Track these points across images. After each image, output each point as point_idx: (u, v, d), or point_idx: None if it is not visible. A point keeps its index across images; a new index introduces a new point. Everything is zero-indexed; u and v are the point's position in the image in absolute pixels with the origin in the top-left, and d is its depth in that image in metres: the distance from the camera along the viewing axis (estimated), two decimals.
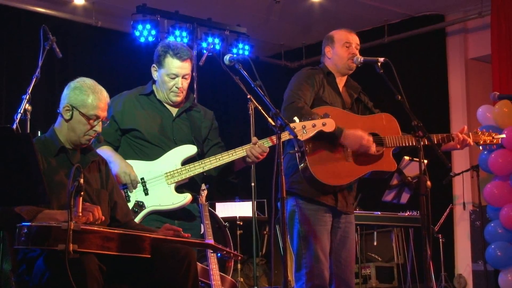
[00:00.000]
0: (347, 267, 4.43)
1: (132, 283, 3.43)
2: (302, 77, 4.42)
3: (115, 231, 3.19)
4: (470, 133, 4.52)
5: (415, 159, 5.75)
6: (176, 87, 4.11)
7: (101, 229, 3.16)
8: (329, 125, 4.04)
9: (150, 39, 7.94)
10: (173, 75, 4.09)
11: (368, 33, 9.50)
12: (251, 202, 4.81)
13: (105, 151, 4.02)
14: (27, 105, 4.33)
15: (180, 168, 4.03)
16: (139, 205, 4.00)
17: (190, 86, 4.24)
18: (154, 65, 4.17)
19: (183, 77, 4.11)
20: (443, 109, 9.10)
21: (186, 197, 4.03)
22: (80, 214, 3.08)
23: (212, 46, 8.35)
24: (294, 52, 10.52)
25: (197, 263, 3.61)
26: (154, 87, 4.23)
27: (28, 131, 4.32)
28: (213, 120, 4.32)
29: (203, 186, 4.36)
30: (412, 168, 6.02)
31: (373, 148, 4.25)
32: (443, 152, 4.36)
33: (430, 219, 3.90)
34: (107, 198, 3.66)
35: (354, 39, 4.49)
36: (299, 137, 3.95)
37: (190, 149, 4.11)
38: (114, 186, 3.76)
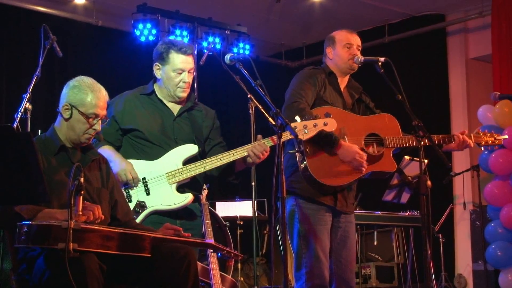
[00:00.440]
0: (348, 267, 4.43)
1: (132, 282, 3.43)
2: (304, 77, 4.42)
3: (115, 230, 3.20)
4: (472, 134, 4.52)
5: (415, 158, 5.75)
6: (183, 82, 4.11)
7: (101, 228, 3.16)
8: (331, 125, 4.03)
9: (151, 38, 7.94)
10: (180, 70, 4.09)
11: (369, 33, 9.49)
12: (251, 202, 4.79)
13: (106, 151, 4.02)
14: (28, 104, 4.34)
15: (181, 168, 4.03)
16: (141, 205, 3.99)
17: (191, 85, 4.24)
18: (156, 63, 4.16)
19: (188, 71, 4.12)
20: (443, 109, 9.10)
21: (188, 197, 4.03)
22: (80, 213, 3.08)
23: (212, 46, 8.35)
24: (294, 51, 10.52)
25: (198, 262, 3.61)
26: (155, 86, 4.23)
27: (29, 130, 4.32)
28: (215, 120, 4.32)
29: (204, 186, 4.36)
30: (412, 168, 6.02)
31: (365, 166, 4.24)
32: (443, 152, 4.37)
33: (430, 218, 3.90)
34: (108, 197, 3.66)
35: (355, 40, 4.49)
36: (300, 137, 3.95)
37: (191, 149, 4.10)
38: (115, 184, 3.76)
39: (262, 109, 3.90)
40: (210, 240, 4.28)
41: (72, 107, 3.55)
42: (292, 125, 3.86)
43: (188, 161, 4.07)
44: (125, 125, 4.14)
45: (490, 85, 8.47)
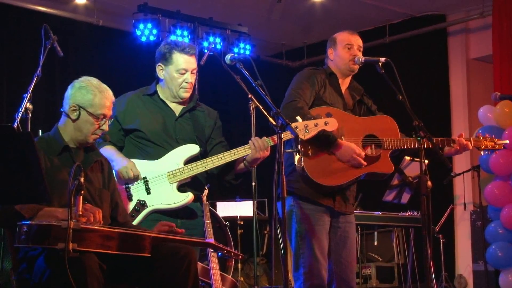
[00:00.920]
0: (348, 267, 4.43)
1: (132, 282, 3.44)
2: (303, 77, 4.43)
3: (115, 230, 3.20)
4: (471, 138, 4.51)
5: (416, 159, 5.76)
6: (186, 82, 4.12)
7: (101, 228, 3.17)
8: (332, 124, 4.04)
9: (151, 38, 7.95)
10: (183, 70, 4.10)
11: (370, 33, 9.49)
12: (251, 202, 4.79)
13: (108, 150, 4.03)
14: (28, 104, 4.34)
15: (182, 168, 4.03)
16: (141, 204, 4.00)
17: (193, 85, 4.24)
18: (159, 64, 4.17)
19: (191, 72, 4.13)
20: (444, 109, 9.10)
21: (188, 196, 4.03)
22: (81, 213, 3.09)
23: (213, 46, 8.35)
24: (295, 51, 10.52)
25: (198, 262, 3.61)
26: (158, 87, 4.23)
27: (29, 130, 4.32)
28: (217, 119, 4.32)
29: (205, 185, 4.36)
30: (413, 168, 6.03)
31: (364, 163, 4.24)
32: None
33: (430, 219, 3.90)
34: (109, 198, 3.67)
35: (356, 41, 4.49)
36: (301, 137, 3.96)
37: (192, 149, 4.11)
38: (115, 187, 3.78)
39: (262, 109, 3.90)
40: (211, 239, 4.29)
41: (80, 108, 3.55)
42: (293, 124, 3.86)
43: (189, 161, 4.07)
44: (127, 125, 4.15)
45: (490, 85, 8.47)
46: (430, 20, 9.21)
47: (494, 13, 8.38)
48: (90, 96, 3.56)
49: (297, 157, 4.22)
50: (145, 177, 4.03)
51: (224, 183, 4.24)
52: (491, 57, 8.48)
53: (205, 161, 4.04)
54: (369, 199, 7.23)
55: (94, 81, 3.62)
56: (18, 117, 4.29)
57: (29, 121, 4.43)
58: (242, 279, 7.32)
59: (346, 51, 4.45)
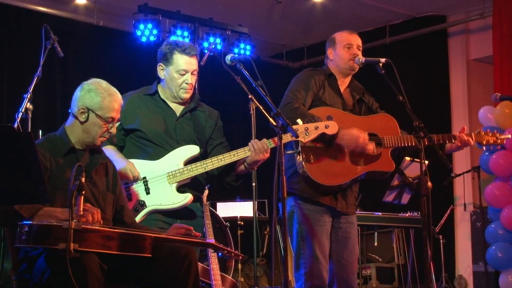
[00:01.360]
0: (349, 268, 4.43)
1: (133, 282, 3.44)
2: (301, 78, 4.43)
3: (116, 230, 3.20)
4: (473, 134, 4.51)
5: (416, 159, 5.75)
6: (186, 83, 4.12)
7: (102, 228, 3.17)
8: (332, 128, 4.04)
9: (152, 38, 7.95)
10: (183, 71, 4.10)
11: (370, 34, 9.49)
12: (252, 202, 4.80)
13: (108, 150, 4.02)
14: (29, 104, 4.34)
15: (182, 168, 4.03)
16: (140, 204, 4.00)
17: (194, 86, 4.24)
18: (160, 64, 4.17)
19: (192, 73, 4.12)
20: (444, 110, 9.09)
21: (187, 197, 4.03)
22: (81, 213, 3.09)
23: (213, 46, 8.35)
24: (295, 52, 10.52)
25: (198, 262, 3.61)
26: (159, 87, 4.23)
27: (29, 130, 4.32)
28: (218, 120, 4.32)
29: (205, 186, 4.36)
30: (413, 169, 6.01)
31: (371, 147, 4.24)
32: (444, 155, 4.36)
33: (430, 220, 3.90)
34: (112, 201, 3.66)
35: (356, 40, 4.49)
36: (301, 139, 3.96)
37: (193, 150, 4.10)
38: (121, 190, 3.78)
39: (263, 110, 3.90)
40: (211, 240, 4.29)
41: (89, 110, 3.55)
42: (294, 127, 3.86)
43: (189, 162, 4.07)
44: (127, 125, 4.15)
45: (491, 86, 8.46)
46: (430, 20, 9.21)
47: (494, 14, 8.38)
48: (99, 99, 3.55)
49: (298, 158, 4.22)
50: (144, 177, 4.03)
51: (225, 185, 4.24)
52: (491, 58, 8.47)
53: (205, 162, 4.03)
54: (369, 199, 7.22)
55: (103, 83, 3.62)
56: (18, 117, 4.29)
57: (29, 121, 4.44)
58: (242, 279, 7.32)
59: (346, 50, 4.46)
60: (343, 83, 4.54)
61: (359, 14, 9.05)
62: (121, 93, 4.24)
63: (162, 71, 4.17)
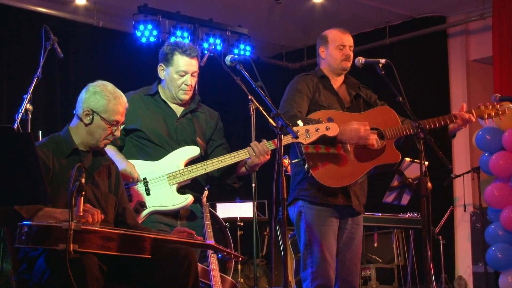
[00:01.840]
0: (352, 269, 4.44)
1: (132, 283, 3.43)
2: (294, 86, 4.46)
3: (116, 231, 3.20)
4: (473, 110, 4.47)
5: (416, 160, 5.75)
6: (185, 85, 4.12)
7: (102, 229, 3.17)
8: (333, 129, 4.03)
9: (152, 39, 7.95)
10: (183, 72, 4.10)
11: (370, 34, 9.51)
12: (251, 203, 4.80)
13: (108, 150, 4.01)
14: (28, 104, 4.34)
15: (183, 169, 4.03)
16: (141, 205, 4.00)
17: (194, 88, 4.24)
18: (161, 64, 4.17)
19: (192, 74, 4.12)
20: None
21: (188, 198, 4.02)
22: (81, 214, 3.09)
23: (213, 47, 8.35)
24: (295, 53, 10.52)
25: (198, 263, 3.61)
26: (159, 87, 4.23)
27: (29, 130, 4.32)
28: (218, 121, 4.32)
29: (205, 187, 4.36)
30: (413, 170, 6.02)
31: (373, 136, 4.24)
32: (448, 138, 4.43)
33: (430, 220, 3.90)
34: (114, 203, 3.66)
35: (348, 41, 4.50)
36: (302, 141, 3.96)
37: (193, 151, 4.10)
38: (124, 192, 3.78)
39: (262, 111, 3.90)
40: (211, 241, 4.28)
41: (94, 112, 3.55)
42: (294, 128, 3.86)
43: (189, 163, 4.06)
44: (128, 125, 4.14)
45: (490, 87, 8.46)
46: (430, 21, 9.21)
47: (494, 15, 8.38)
48: (104, 101, 3.55)
49: (305, 166, 4.24)
50: (145, 178, 4.03)
51: (225, 186, 4.24)
52: (491, 59, 8.47)
53: (205, 163, 4.03)
54: (369, 200, 7.21)
55: (109, 86, 3.61)
56: (18, 118, 4.29)
57: (29, 122, 4.43)
58: (242, 280, 7.32)
59: (338, 51, 4.48)
60: (337, 82, 4.54)
61: (359, 14, 9.05)
62: None
63: (162, 72, 4.17)
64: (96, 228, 3.14)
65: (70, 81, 8.48)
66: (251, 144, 3.98)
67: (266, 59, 10.37)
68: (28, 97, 4.34)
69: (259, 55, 9.79)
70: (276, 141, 3.91)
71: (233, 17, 8.92)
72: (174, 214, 4.07)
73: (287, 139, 3.93)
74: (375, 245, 7.72)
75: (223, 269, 6.54)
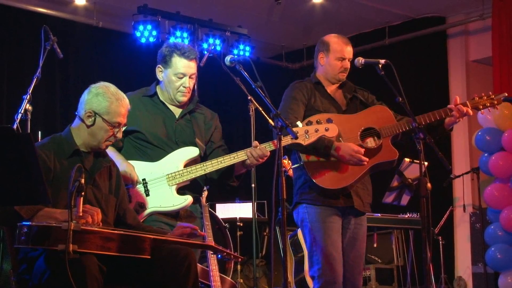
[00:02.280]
0: (355, 269, 4.45)
1: (132, 283, 3.43)
2: (289, 93, 4.50)
3: (115, 231, 3.20)
4: (468, 102, 4.50)
5: (415, 161, 5.75)
6: (183, 87, 4.11)
7: (102, 229, 3.16)
8: (332, 131, 4.03)
9: (151, 39, 7.95)
10: (181, 74, 4.09)
11: (369, 35, 9.50)
12: (251, 203, 4.80)
13: (108, 151, 4.01)
14: (28, 105, 4.34)
15: (182, 170, 4.02)
16: (140, 206, 3.99)
17: (192, 89, 4.24)
18: (159, 65, 4.16)
19: (190, 76, 4.12)
20: None
21: (187, 199, 4.02)
22: (81, 214, 3.09)
23: (213, 47, 8.35)
24: (295, 53, 10.52)
25: (197, 264, 3.61)
26: (158, 88, 4.23)
27: (29, 131, 4.32)
28: (217, 122, 4.32)
29: (204, 187, 4.35)
30: (412, 170, 6.03)
31: (365, 159, 4.25)
32: (446, 132, 4.44)
33: (430, 221, 3.90)
34: (115, 204, 3.66)
35: (349, 53, 4.52)
36: (301, 142, 3.96)
37: (192, 151, 4.10)
38: (125, 193, 3.78)
39: (262, 111, 3.91)
40: (210, 241, 4.28)
41: (96, 114, 3.55)
42: (294, 129, 3.87)
43: (189, 164, 4.06)
44: (126, 126, 4.14)
45: (490, 87, 8.45)
46: (429, 22, 9.21)
47: (494, 15, 8.38)
48: (106, 103, 3.55)
49: (303, 168, 4.29)
50: (144, 179, 4.02)
51: (224, 186, 4.24)
52: (490, 59, 8.47)
53: (204, 164, 4.03)
54: None
55: (112, 88, 3.61)
56: (17, 118, 4.29)
57: (29, 123, 4.43)
58: (242, 280, 7.32)
59: (338, 63, 4.51)
60: (332, 87, 4.59)
61: (358, 15, 9.05)
62: None
63: (160, 73, 4.17)
64: (96, 229, 3.14)
65: (70, 82, 8.48)
66: (248, 150, 3.98)
67: (265, 60, 10.37)
68: (28, 98, 4.33)
69: (258, 55, 9.79)
70: (275, 141, 3.91)
71: (233, 17, 8.92)
72: (174, 215, 4.06)
73: (286, 140, 3.93)
74: (375, 245, 7.72)
75: (223, 269, 6.54)
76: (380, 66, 4.21)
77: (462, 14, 9.03)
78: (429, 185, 3.93)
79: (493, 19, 8.38)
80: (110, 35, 8.91)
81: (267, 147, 3.99)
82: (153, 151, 4.10)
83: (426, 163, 4.03)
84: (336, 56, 4.49)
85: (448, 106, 4.44)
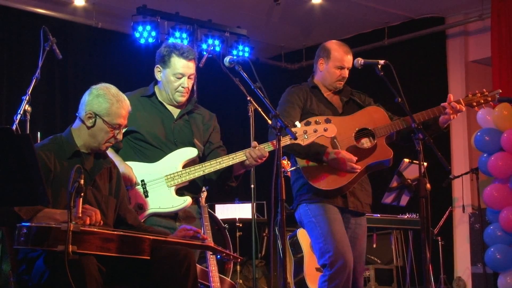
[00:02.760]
0: (356, 269, 4.45)
1: (131, 284, 3.43)
2: (285, 97, 4.53)
3: (115, 232, 3.20)
4: (461, 99, 4.52)
5: (414, 161, 5.76)
6: (182, 87, 4.11)
7: (101, 230, 3.16)
8: (331, 131, 4.04)
9: (150, 40, 7.95)
10: (180, 74, 4.09)
11: (369, 35, 9.50)
12: (250, 204, 4.80)
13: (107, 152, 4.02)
14: (27, 106, 4.34)
15: (181, 171, 4.02)
16: (139, 207, 3.99)
17: (190, 90, 4.24)
18: (158, 65, 4.16)
19: (188, 77, 4.11)
20: None
21: (186, 200, 4.02)
22: (80, 215, 3.09)
23: (212, 48, 8.35)
24: (294, 53, 10.52)
25: (197, 264, 3.61)
26: (156, 88, 4.22)
27: (28, 132, 4.32)
28: (215, 123, 4.32)
29: (203, 188, 4.35)
30: (411, 171, 6.03)
31: (357, 167, 4.27)
32: (442, 130, 4.44)
33: (429, 221, 3.90)
34: (115, 205, 3.66)
35: (348, 62, 4.54)
36: (300, 142, 3.96)
37: (191, 152, 4.09)
38: (125, 195, 3.77)
39: (261, 112, 3.91)
40: (210, 242, 4.28)
41: (97, 115, 3.55)
42: (292, 129, 3.87)
43: (187, 164, 4.06)
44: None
45: (489, 87, 8.37)
46: (429, 22, 9.21)
47: (493, 16, 8.38)
48: (107, 105, 3.55)
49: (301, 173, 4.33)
50: (142, 180, 4.02)
51: (223, 186, 4.24)
52: (490, 60, 8.47)
53: (203, 165, 4.02)
54: None
55: (112, 89, 3.61)
56: (17, 119, 4.29)
57: (28, 123, 4.43)
58: (241, 281, 7.32)
59: (337, 70, 4.54)
60: (329, 91, 4.59)
61: (357, 15, 9.05)
62: None
63: (159, 73, 4.17)
64: (95, 230, 3.14)
65: (69, 82, 8.47)
66: (248, 150, 3.97)
67: (265, 60, 10.37)
68: (27, 98, 4.34)
69: (258, 56, 9.78)
70: (274, 142, 3.91)
71: (232, 18, 8.92)
72: (172, 216, 4.06)
73: (285, 141, 3.93)
74: (374, 246, 7.73)
75: (222, 270, 6.54)
76: (380, 66, 4.21)
77: (461, 14, 9.04)
78: (428, 185, 3.93)
79: (492, 20, 8.38)
80: (109, 36, 8.90)
81: (266, 148, 3.98)
82: (152, 151, 4.09)
83: (425, 164, 4.03)
84: (336, 64, 4.51)
85: (442, 104, 4.45)
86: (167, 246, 3.45)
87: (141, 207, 3.99)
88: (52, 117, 8.25)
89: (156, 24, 7.97)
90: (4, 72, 7.95)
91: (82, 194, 3.06)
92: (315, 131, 4.00)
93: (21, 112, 4.31)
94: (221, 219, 7.10)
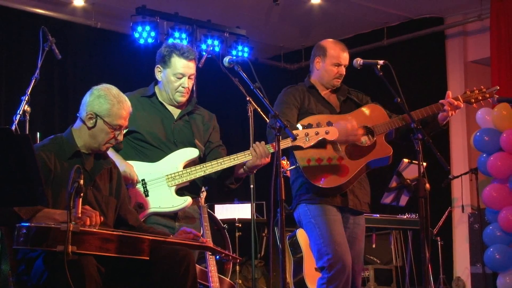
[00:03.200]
0: (354, 268, 4.45)
1: (130, 284, 3.43)
2: (281, 98, 4.53)
3: (114, 232, 3.20)
4: (459, 96, 4.53)
5: (414, 161, 5.76)
6: (182, 87, 4.11)
7: (100, 230, 3.16)
8: (332, 133, 4.04)
9: (150, 40, 7.95)
10: (180, 74, 4.09)
11: (368, 36, 9.51)
12: (250, 204, 4.80)
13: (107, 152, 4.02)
14: (26, 106, 4.34)
15: (181, 171, 4.02)
16: (139, 207, 3.99)
17: (190, 90, 4.24)
18: (158, 65, 4.16)
19: (189, 77, 4.11)
20: None
21: (186, 200, 4.02)
22: (80, 215, 3.09)
23: (211, 48, 8.35)
24: (293, 54, 10.52)
25: (196, 265, 3.61)
26: (156, 88, 4.22)
27: (27, 132, 4.32)
28: (215, 122, 4.32)
29: (202, 188, 4.35)
30: (411, 171, 6.03)
31: (360, 131, 4.28)
32: (441, 127, 4.43)
33: (428, 221, 3.91)
34: (115, 206, 3.66)
35: (345, 59, 4.54)
36: (301, 145, 3.96)
37: (192, 152, 4.09)
38: (126, 195, 3.77)
39: (261, 112, 3.91)
40: (209, 242, 4.28)
41: (97, 116, 3.55)
42: (293, 132, 3.87)
43: (188, 165, 4.06)
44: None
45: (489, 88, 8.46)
46: (428, 22, 9.21)
47: (492, 16, 8.39)
48: (108, 105, 3.55)
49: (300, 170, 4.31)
50: (143, 179, 4.02)
51: (223, 187, 4.24)
52: (489, 60, 8.48)
53: (204, 166, 4.02)
54: None
55: (113, 90, 3.61)
56: (16, 119, 4.29)
57: (27, 124, 4.43)
58: (240, 281, 7.31)
59: (334, 68, 4.54)
60: (327, 90, 4.59)
61: (356, 16, 9.05)
62: None
63: (159, 73, 4.17)
64: (95, 230, 3.14)
65: (68, 82, 8.47)
66: (254, 145, 3.97)
67: (264, 60, 10.37)
68: (26, 99, 4.34)
69: (257, 56, 9.78)
70: (274, 144, 3.91)
71: (231, 18, 8.92)
72: (172, 216, 4.06)
73: (286, 143, 3.93)
74: (373, 246, 7.73)
75: (221, 270, 6.53)
76: (379, 66, 4.22)
77: (460, 14, 9.04)
78: (427, 185, 3.93)
79: (491, 20, 8.39)
80: (108, 36, 8.90)
81: (268, 149, 3.98)
82: (152, 151, 4.09)
83: (424, 164, 4.03)
84: (333, 62, 4.51)
85: (440, 101, 4.45)
86: (166, 247, 3.45)
87: (141, 206, 3.99)
88: (51, 117, 8.25)
89: (155, 24, 7.97)
90: (3, 72, 7.95)
91: (82, 194, 3.06)
92: (317, 133, 4.00)
93: (20, 113, 4.31)
94: (221, 219, 7.10)
